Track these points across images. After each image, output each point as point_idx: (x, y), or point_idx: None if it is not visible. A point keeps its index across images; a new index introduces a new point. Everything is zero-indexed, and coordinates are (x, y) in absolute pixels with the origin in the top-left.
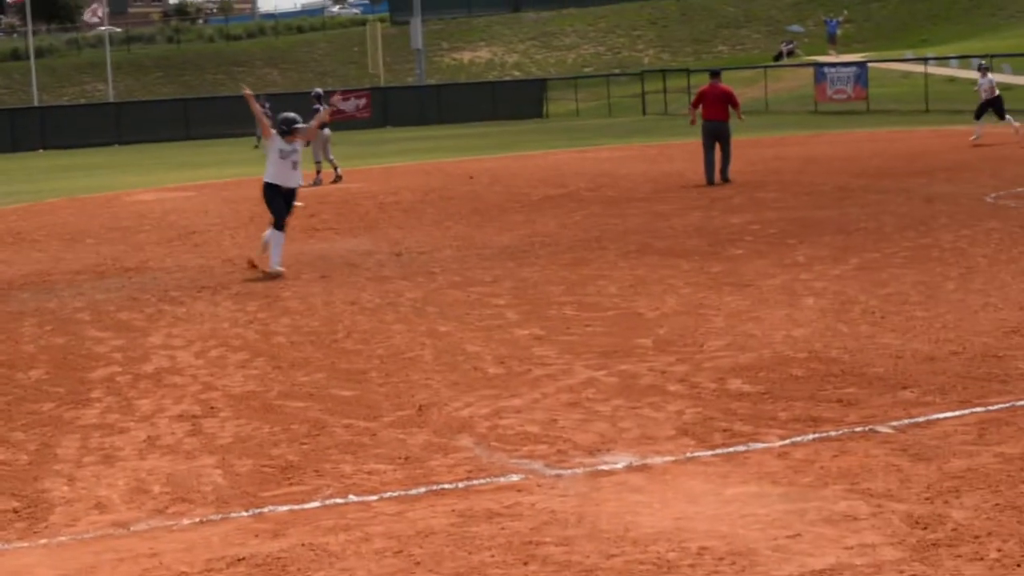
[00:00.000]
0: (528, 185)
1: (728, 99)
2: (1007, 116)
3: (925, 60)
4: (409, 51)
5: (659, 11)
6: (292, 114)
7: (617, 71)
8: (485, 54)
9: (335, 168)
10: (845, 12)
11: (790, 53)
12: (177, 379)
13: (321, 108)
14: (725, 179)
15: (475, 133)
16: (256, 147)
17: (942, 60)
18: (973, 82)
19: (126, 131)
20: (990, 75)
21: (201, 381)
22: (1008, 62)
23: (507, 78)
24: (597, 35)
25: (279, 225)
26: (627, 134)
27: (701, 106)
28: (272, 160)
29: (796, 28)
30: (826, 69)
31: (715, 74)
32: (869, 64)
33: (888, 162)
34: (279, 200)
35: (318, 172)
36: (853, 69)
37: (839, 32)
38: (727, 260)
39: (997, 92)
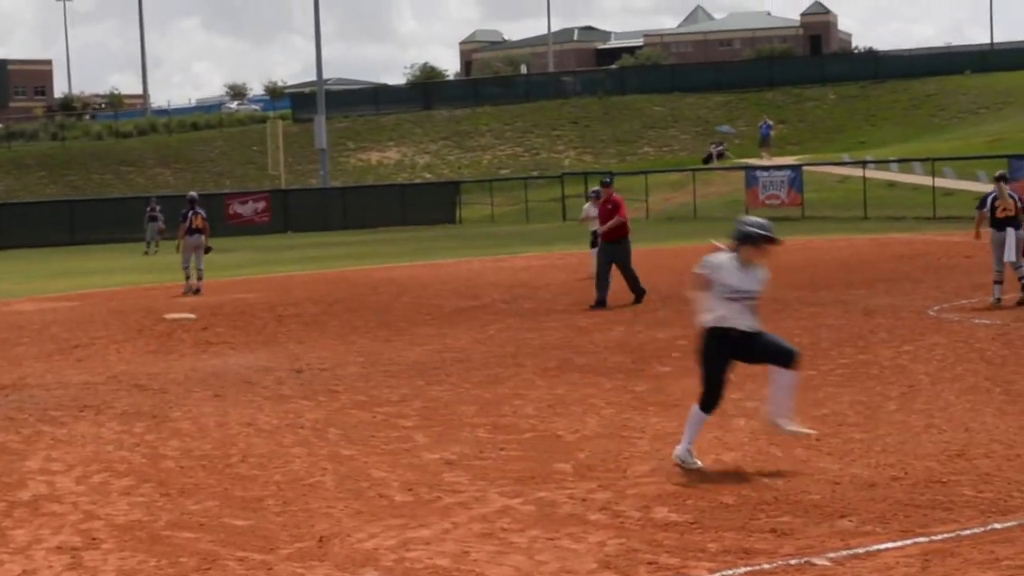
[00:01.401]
0: (439, 296)
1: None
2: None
3: (863, 163)
4: (312, 151)
5: (580, 110)
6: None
7: (535, 173)
8: (394, 154)
9: (198, 277)
10: (765, 118)
11: (720, 155)
12: (56, 507)
13: (189, 215)
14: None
15: (383, 239)
16: (146, 253)
17: (881, 164)
18: (914, 187)
19: (5, 235)
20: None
21: (82, 509)
22: (950, 166)
23: (418, 180)
24: (514, 135)
25: None
26: (546, 241)
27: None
28: None
29: (726, 129)
30: (758, 172)
31: (603, 182)
32: (804, 167)
33: (825, 272)
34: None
35: (187, 278)
36: (787, 173)
37: (772, 134)
38: (652, 378)
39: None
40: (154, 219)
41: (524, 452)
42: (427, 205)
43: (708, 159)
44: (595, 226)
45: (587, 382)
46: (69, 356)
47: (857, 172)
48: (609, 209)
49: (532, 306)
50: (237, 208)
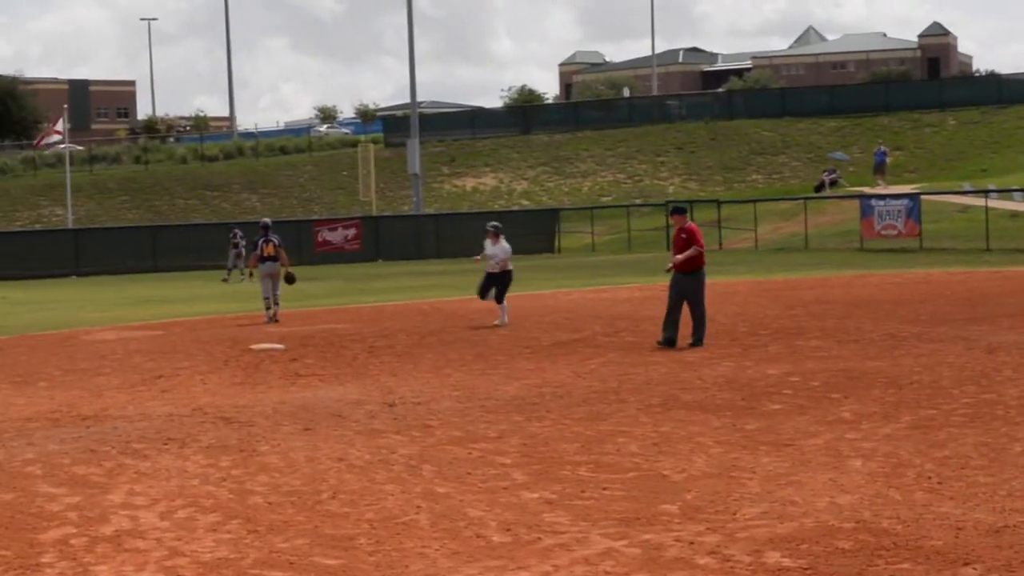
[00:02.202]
0: (538, 328)
1: (693, 240)
2: None
3: (986, 192)
4: (405, 176)
5: (686, 135)
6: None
7: (638, 201)
8: (490, 180)
9: (275, 303)
10: (880, 144)
11: (833, 183)
12: (140, 543)
13: (260, 242)
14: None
15: (478, 269)
16: (224, 280)
17: (1005, 193)
18: None
19: (86, 261)
20: None
21: (167, 546)
22: None
23: (515, 207)
24: (616, 161)
25: None
26: (649, 272)
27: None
28: None
29: (840, 155)
30: (873, 201)
31: (673, 210)
32: (922, 196)
33: (944, 307)
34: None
35: (267, 308)
36: (904, 202)
37: (888, 161)
38: (763, 416)
39: None
40: (236, 246)
41: (628, 492)
42: (524, 233)
43: (820, 187)
44: (494, 267)
45: (694, 419)
46: (152, 387)
47: (979, 202)
48: (684, 239)
49: (635, 340)
50: (326, 235)
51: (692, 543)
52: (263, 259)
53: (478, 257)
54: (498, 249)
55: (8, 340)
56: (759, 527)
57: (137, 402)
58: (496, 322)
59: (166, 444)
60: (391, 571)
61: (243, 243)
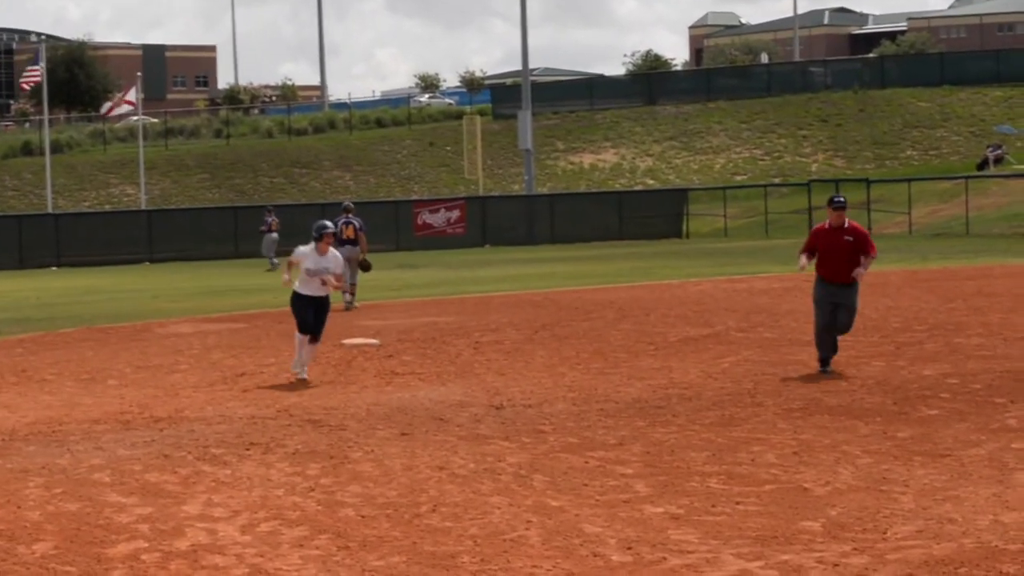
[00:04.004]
0: (664, 322)
1: (862, 246)
2: None
3: None
4: (515, 152)
5: (832, 106)
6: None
7: (777, 180)
8: (611, 157)
9: (351, 293)
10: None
11: (998, 160)
12: (218, 559)
13: (340, 224)
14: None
15: (597, 255)
16: (269, 270)
17: None
18: None
19: (161, 245)
20: None
21: (248, 563)
22: None
23: (638, 187)
24: (752, 135)
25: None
26: (790, 259)
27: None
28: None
29: (1007, 129)
30: None
31: (833, 203)
32: None
33: None
34: (308, 311)
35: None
36: None
37: None
38: (918, 423)
39: None
40: (271, 229)
41: (764, 507)
42: (649, 216)
43: (984, 165)
44: (316, 287)
45: (839, 426)
46: (233, 386)
47: None
48: (849, 243)
49: (774, 336)
50: (427, 217)
51: (836, 565)
52: (341, 242)
53: (286, 276)
54: (329, 260)
55: (74, 333)
56: (913, 548)
57: (216, 403)
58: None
59: (248, 450)
60: None
61: (271, 227)
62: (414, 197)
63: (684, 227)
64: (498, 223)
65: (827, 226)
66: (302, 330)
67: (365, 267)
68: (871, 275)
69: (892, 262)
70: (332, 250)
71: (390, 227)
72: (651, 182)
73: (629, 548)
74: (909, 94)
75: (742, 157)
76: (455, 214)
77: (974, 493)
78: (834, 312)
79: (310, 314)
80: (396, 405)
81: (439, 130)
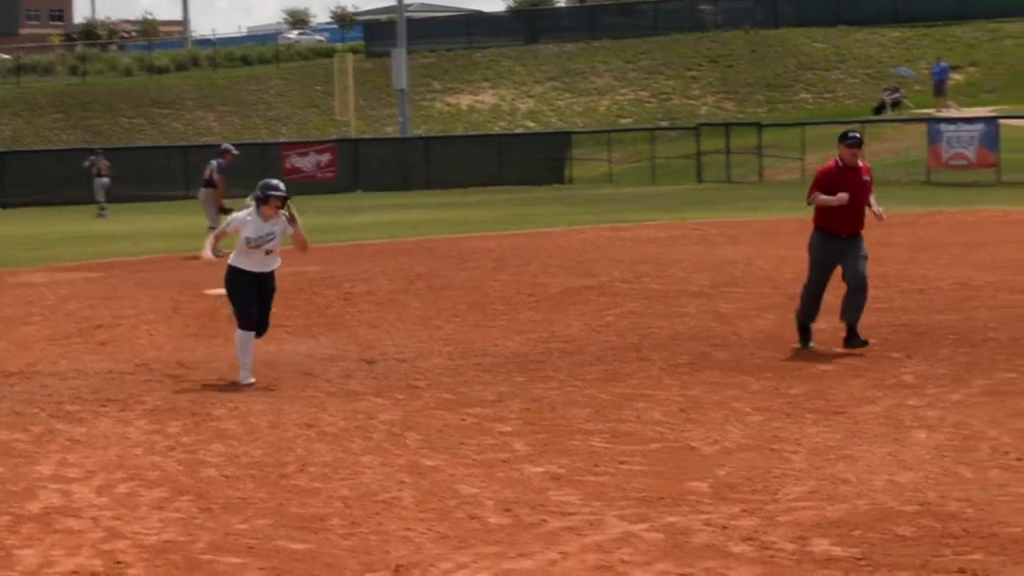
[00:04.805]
0: (545, 273)
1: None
2: None
3: None
4: (390, 92)
5: (722, 46)
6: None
7: (665, 124)
8: (490, 98)
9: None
10: (940, 59)
11: (895, 104)
12: (73, 522)
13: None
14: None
15: (475, 201)
16: (99, 216)
17: None
18: None
19: (13, 190)
20: None
21: (104, 526)
22: None
23: (519, 130)
24: (639, 76)
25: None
26: (677, 207)
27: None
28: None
29: (905, 71)
30: (943, 126)
31: (848, 139)
32: (1000, 120)
33: None
34: (252, 294)
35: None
36: (979, 127)
37: (949, 81)
38: (811, 378)
39: None
40: (99, 174)
41: (650, 467)
42: (530, 161)
43: (880, 109)
44: (260, 261)
45: (729, 382)
46: (89, 339)
47: None
48: (867, 183)
49: (660, 287)
50: (296, 161)
51: (725, 527)
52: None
53: (208, 254)
54: (276, 226)
55: None
56: (804, 509)
57: (71, 356)
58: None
59: (104, 406)
60: (368, 557)
61: (96, 169)
62: (282, 139)
63: (566, 172)
64: (371, 167)
65: (838, 165)
66: (246, 325)
67: (223, 210)
68: (764, 224)
69: (784, 211)
70: (279, 215)
71: (256, 171)
72: (532, 125)
73: (507, 510)
74: (803, 34)
75: (628, 99)
76: (325, 158)
77: (869, 452)
78: (830, 272)
79: (254, 298)
80: (262, 359)
81: (308, 69)
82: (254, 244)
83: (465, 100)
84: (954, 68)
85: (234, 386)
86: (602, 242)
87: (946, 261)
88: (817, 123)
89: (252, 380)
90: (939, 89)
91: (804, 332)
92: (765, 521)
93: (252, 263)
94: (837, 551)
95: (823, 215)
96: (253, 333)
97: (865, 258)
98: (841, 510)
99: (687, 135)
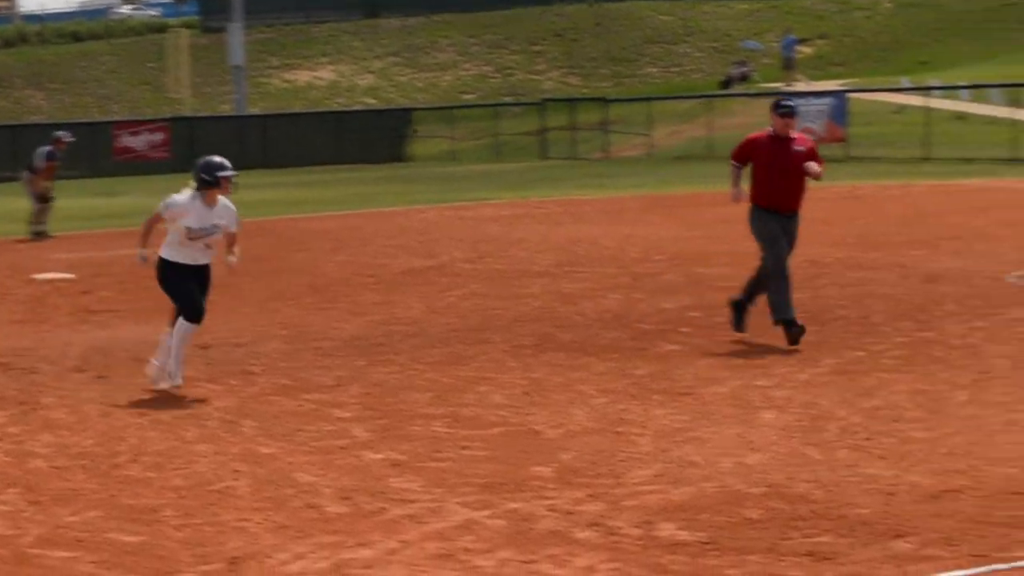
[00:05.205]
0: (384, 253)
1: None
2: None
3: (926, 90)
4: (225, 69)
5: (566, 19)
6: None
7: (509, 99)
8: (328, 74)
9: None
10: (789, 32)
11: (743, 78)
12: None
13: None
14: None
15: (313, 181)
16: None
17: (949, 90)
18: (990, 120)
19: None
20: None
21: None
22: None
23: (358, 107)
24: (482, 50)
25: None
26: (521, 185)
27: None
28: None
29: (753, 45)
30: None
31: (781, 108)
32: (849, 94)
33: (876, 227)
34: (193, 287)
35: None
36: (828, 101)
37: (796, 55)
38: (657, 359)
39: None
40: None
41: (492, 452)
42: (370, 139)
43: (728, 83)
44: (199, 253)
45: (573, 364)
46: None
47: (918, 101)
48: (801, 154)
49: (503, 267)
50: (128, 140)
51: (570, 513)
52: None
53: (143, 251)
54: (221, 214)
55: None
56: (651, 493)
57: None
58: (165, 383)
59: None
60: (202, 549)
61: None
62: (114, 118)
63: (407, 150)
64: (206, 146)
65: (767, 136)
66: (193, 316)
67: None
68: (609, 201)
69: (630, 187)
70: (224, 200)
71: (87, 151)
72: (372, 101)
73: (346, 498)
74: (649, 7)
75: (471, 75)
76: (159, 136)
77: (716, 434)
78: (785, 245)
79: (195, 285)
80: (92, 345)
81: (141, 45)
82: (196, 235)
83: (303, 76)
84: (803, 41)
85: (64, 375)
86: (443, 222)
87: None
88: (664, 98)
89: (178, 380)
90: (788, 63)
91: (793, 325)
92: (611, 506)
93: (187, 255)
94: (684, 535)
95: (757, 190)
96: (199, 326)
97: (791, 245)
98: (688, 493)
99: (531, 111)
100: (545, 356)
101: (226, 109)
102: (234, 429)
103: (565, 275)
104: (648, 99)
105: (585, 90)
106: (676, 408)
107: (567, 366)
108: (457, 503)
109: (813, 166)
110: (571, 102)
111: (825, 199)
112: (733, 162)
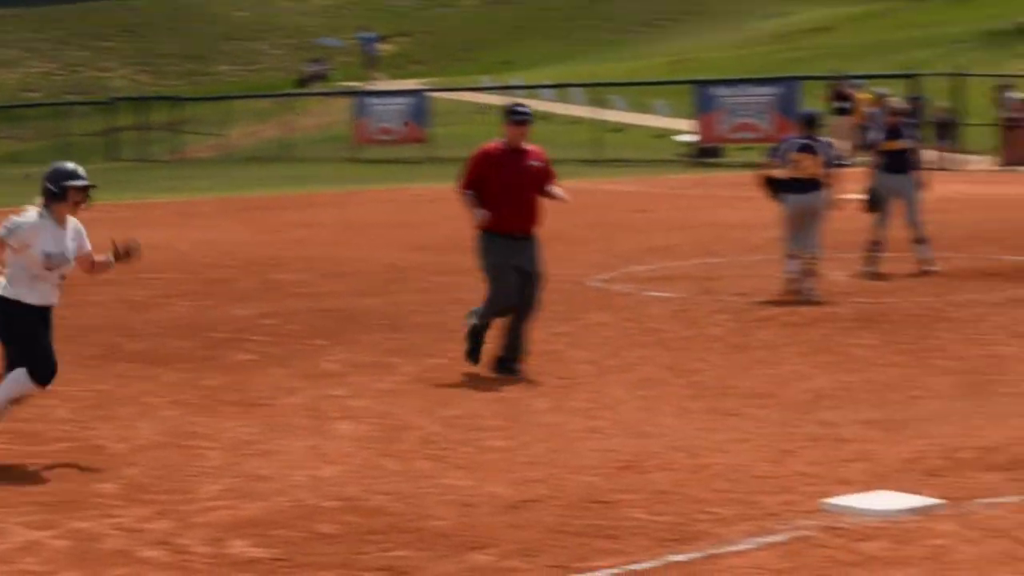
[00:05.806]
0: None
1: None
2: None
3: (507, 89)
4: None
5: (136, 14)
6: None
7: (75, 98)
8: None
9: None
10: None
11: (320, 77)
12: None
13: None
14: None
15: None
16: None
17: (531, 90)
18: (573, 120)
19: None
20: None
21: None
22: (620, 93)
23: None
24: (48, 47)
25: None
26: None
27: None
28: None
29: (330, 42)
30: (370, 99)
31: (515, 115)
32: (429, 93)
33: (460, 230)
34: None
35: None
36: (408, 100)
37: (379, 52)
38: (229, 369)
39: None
40: None
41: (54, 469)
42: None
43: (304, 81)
44: (47, 292)
45: (142, 375)
46: None
47: (500, 100)
48: (536, 169)
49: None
50: None
51: (137, 531)
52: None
53: None
54: (73, 239)
55: None
56: (220, 509)
57: None
58: None
59: None
60: None
61: None
62: None
63: None
64: None
65: (501, 147)
66: (44, 376)
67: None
68: (182, 204)
69: (204, 190)
70: (72, 219)
71: None
72: None
73: None
74: (226, 3)
75: (36, 72)
76: None
77: (289, 446)
78: (514, 277)
79: (43, 333)
80: None
81: None
82: (54, 264)
83: None
84: (383, 38)
85: None
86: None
87: (374, 242)
88: (241, 96)
89: None
90: (369, 60)
91: (508, 364)
92: (179, 523)
93: (40, 294)
94: (256, 552)
95: (489, 209)
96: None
97: (538, 276)
98: (259, 508)
99: (102, 110)
100: (112, 367)
101: None
102: None
103: (134, 281)
104: (223, 98)
105: (157, 88)
106: (248, 420)
107: (135, 377)
108: (18, 524)
109: (559, 192)
110: (142, 101)
111: (404, 201)
112: (465, 191)
